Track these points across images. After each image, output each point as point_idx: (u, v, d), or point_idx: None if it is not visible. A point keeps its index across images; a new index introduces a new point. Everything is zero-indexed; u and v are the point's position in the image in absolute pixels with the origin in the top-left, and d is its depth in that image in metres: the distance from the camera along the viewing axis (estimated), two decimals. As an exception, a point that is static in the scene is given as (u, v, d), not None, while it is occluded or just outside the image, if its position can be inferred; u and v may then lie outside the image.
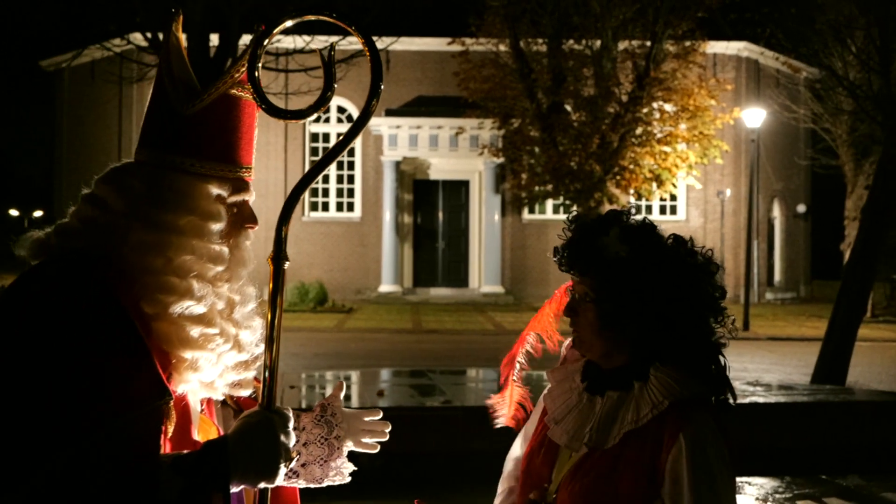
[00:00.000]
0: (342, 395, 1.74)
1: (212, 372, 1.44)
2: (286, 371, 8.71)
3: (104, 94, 23.79)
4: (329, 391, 1.75)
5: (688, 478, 1.54)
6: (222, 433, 1.54)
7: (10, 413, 1.25)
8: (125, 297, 1.36)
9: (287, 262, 1.45)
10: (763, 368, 12.62)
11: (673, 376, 1.61)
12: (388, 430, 1.72)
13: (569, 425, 1.68)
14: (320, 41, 11.27)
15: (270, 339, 1.43)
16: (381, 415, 1.74)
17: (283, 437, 1.37)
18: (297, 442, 1.64)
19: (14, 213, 37.39)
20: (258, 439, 1.36)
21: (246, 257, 1.50)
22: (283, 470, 1.38)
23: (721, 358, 1.68)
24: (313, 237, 24.04)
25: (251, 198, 1.51)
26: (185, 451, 1.36)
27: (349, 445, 1.70)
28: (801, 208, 27.24)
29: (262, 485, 1.39)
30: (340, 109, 24.69)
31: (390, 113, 23.92)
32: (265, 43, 1.47)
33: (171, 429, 1.38)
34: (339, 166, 24.88)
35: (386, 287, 23.83)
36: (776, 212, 27.08)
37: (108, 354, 1.31)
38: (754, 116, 19.27)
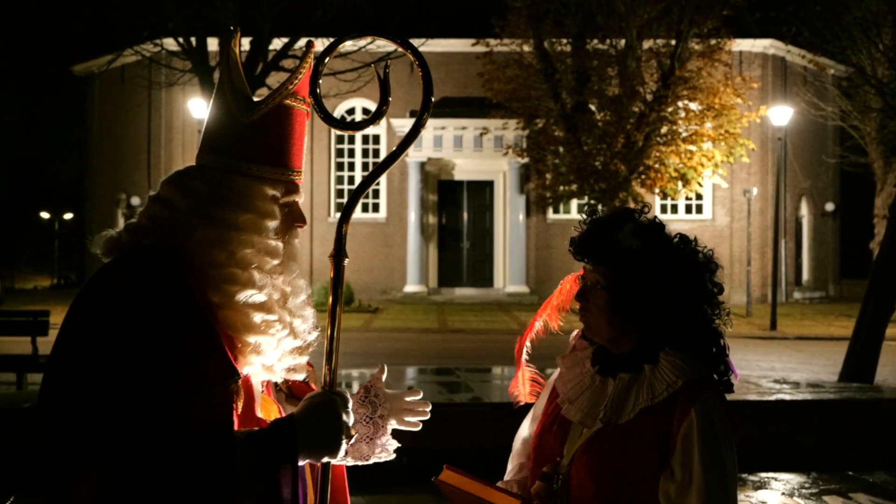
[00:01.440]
0: (384, 377, 1.86)
1: (272, 356, 1.57)
2: (315, 370, 8.84)
3: (133, 98, 24.16)
4: (356, 390, 1.89)
5: (698, 446, 1.71)
6: (282, 411, 1.68)
7: (101, 390, 1.39)
8: (193, 288, 1.51)
9: (346, 259, 1.60)
10: (790, 367, 12.57)
11: (682, 359, 1.78)
12: (428, 409, 1.84)
13: (582, 404, 1.84)
14: (349, 45, 11.41)
15: (332, 328, 1.57)
16: (421, 394, 1.87)
17: (343, 416, 1.52)
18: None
19: (45, 215, 37.99)
20: (323, 418, 1.50)
21: (296, 252, 1.65)
22: (344, 445, 1.52)
23: (721, 342, 1.84)
24: (339, 238, 24.23)
25: (300, 199, 1.65)
26: (256, 428, 1.49)
27: (393, 424, 1.82)
28: (830, 206, 26.96)
29: (326, 459, 1.53)
30: (365, 111, 24.85)
31: (415, 114, 24.03)
32: (326, 61, 1.64)
33: (240, 406, 1.51)
34: (365, 167, 25.06)
35: (411, 287, 23.96)
36: (804, 210, 26.83)
37: (184, 338, 1.44)
38: (781, 114, 19.13)
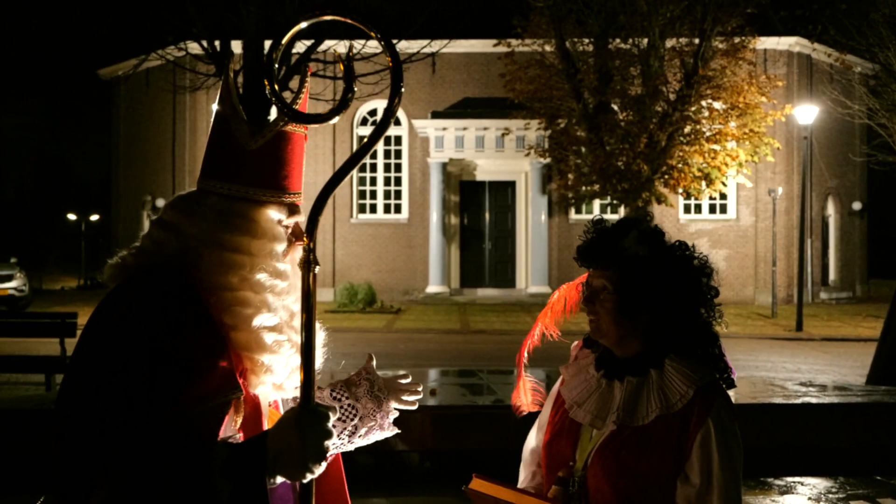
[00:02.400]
0: (374, 364, 1.93)
1: (282, 374, 1.60)
2: (337, 371, 8.88)
3: (158, 101, 24.40)
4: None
5: (716, 453, 1.81)
6: None
7: (111, 400, 1.44)
8: (221, 313, 1.55)
9: (318, 267, 1.55)
10: (817, 369, 12.43)
11: (688, 367, 1.88)
12: (420, 389, 1.92)
13: (591, 406, 1.92)
14: (371, 47, 11.44)
15: (307, 339, 1.54)
16: (410, 377, 1.95)
17: (314, 437, 1.46)
18: (356, 416, 1.83)
19: (72, 217, 38.49)
20: (290, 438, 1.46)
21: (297, 271, 1.67)
22: (315, 468, 1.47)
23: (719, 342, 1.94)
24: (361, 239, 24.31)
25: (301, 219, 1.68)
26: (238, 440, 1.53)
27: (394, 412, 1.90)
28: (857, 206, 26.62)
29: (297, 480, 1.49)
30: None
31: (436, 115, 24.06)
32: (279, 50, 1.60)
33: (239, 420, 1.55)
34: (387, 168, 25.12)
35: (433, 288, 23.98)
36: (830, 209, 26.52)
37: (196, 352, 1.48)
38: (806, 113, 18.92)
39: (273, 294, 1.58)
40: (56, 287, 30.11)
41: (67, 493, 1.43)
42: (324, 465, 1.47)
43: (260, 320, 1.55)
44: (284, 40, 1.60)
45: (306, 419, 1.47)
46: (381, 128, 1.59)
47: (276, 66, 1.59)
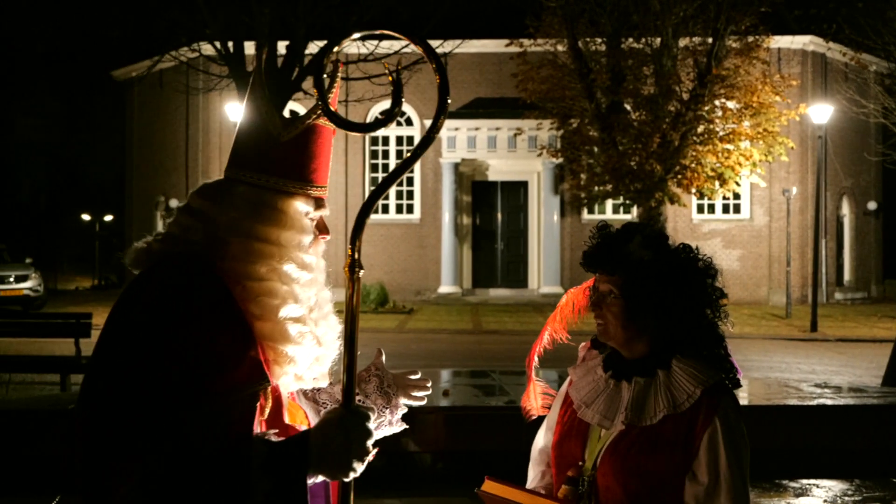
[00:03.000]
0: (383, 359, 1.95)
1: (304, 365, 1.61)
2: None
3: (171, 102, 24.51)
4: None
5: (724, 451, 1.85)
6: (308, 416, 1.73)
7: (138, 393, 1.44)
8: (247, 303, 1.56)
9: (361, 271, 1.59)
10: (832, 370, 12.34)
11: (695, 367, 1.91)
12: (429, 385, 1.94)
13: (599, 406, 1.96)
14: (384, 48, 11.44)
15: (350, 342, 1.55)
16: (419, 374, 1.95)
17: (356, 436, 1.49)
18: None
19: (86, 217, 38.73)
20: (334, 437, 1.49)
21: (322, 263, 1.70)
22: (358, 466, 1.50)
23: (724, 344, 1.98)
24: (374, 239, 24.34)
25: (327, 213, 1.70)
26: (273, 438, 1.52)
27: (403, 408, 1.92)
28: (872, 205, 26.42)
29: (340, 478, 1.51)
30: (401, 113, 24.90)
31: (448, 115, 23.94)
32: (329, 57, 1.62)
33: (267, 411, 1.55)
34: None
35: (445, 288, 23.99)
36: (845, 209, 26.33)
37: (222, 342, 1.49)
38: (821, 112, 18.80)
39: (299, 285, 1.59)
40: (71, 287, 30.31)
41: (91, 487, 1.42)
42: (361, 467, 1.50)
43: (286, 311, 1.56)
44: (336, 48, 1.63)
45: (351, 419, 1.50)
46: (425, 141, 1.60)
47: (297, 68, 1.58)
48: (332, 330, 1.65)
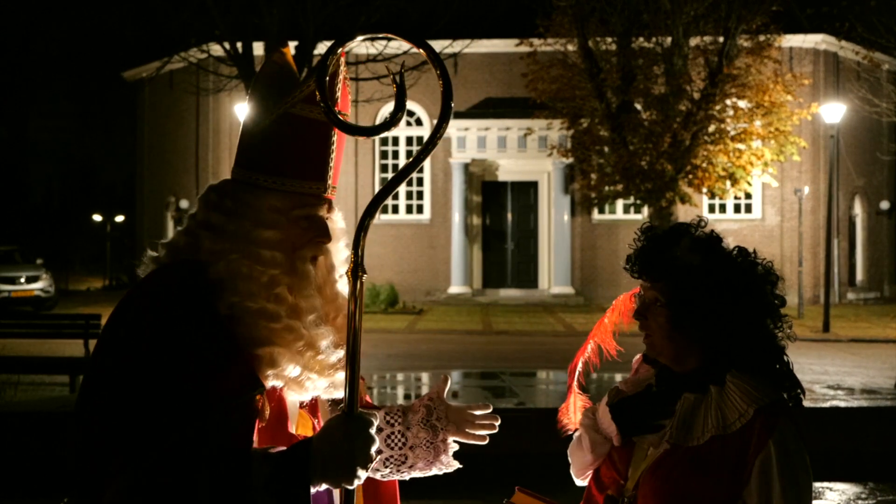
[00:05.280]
0: (447, 389, 1.81)
1: (292, 370, 1.54)
2: (360, 372, 8.87)
3: (182, 103, 24.59)
4: (401, 391, 1.86)
5: (778, 480, 1.68)
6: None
7: (127, 401, 1.42)
8: (219, 302, 1.51)
9: (364, 275, 1.53)
10: (845, 371, 12.24)
11: (750, 383, 1.74)
12: (497, 423, 1.79)
13: None
14: (393, 48, 11.42)
15: (351, 348, 1.51)
16: (490, 408, 1.81)
17: (360, 443, 1.46)
18: (405, 445, 1.76)
19: (97, 218, 38.94)
20: (338, 444, 1.45)
21: (311, 268, 1.60)
22: (362, 473, 1.47)
23: (786, 358, 1.81)
24: (384, 239, 24.33)
25: (321, 212, 1.60)
26: (275, 448, 1.48)
27: (454, 444, 1.78)
28: (885, 205, 26.24)
29: (343, 486, 1.48)
30: (409, 113, 24.91)
31: (458, 115, 24.01)
32: (331, 59, 1.56)
33: (266, 415, 1.51)
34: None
35: (455, 288, 23.95)
36: (858, 209, 26.16)
37: (206, 351, 1.45)
38: (833, 111, 18.67)
39: (278, 285, 1.53)
40: (82, 288, 30.45)
41: (80, 491, 1.44)
42: (364, 474, 1.47)
43: (274, 314, 1.52)
44: (341, 50, 1.57)
45: (354, 426, 1.46)
46: (428, 145, 1.54)
47: (304, 70, 1.55)
48: (324, 337, 1.58)
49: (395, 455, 1.76)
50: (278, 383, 1.55)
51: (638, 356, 1.93)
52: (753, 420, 1.70)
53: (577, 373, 2.01)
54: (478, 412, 1.79)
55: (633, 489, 1.78)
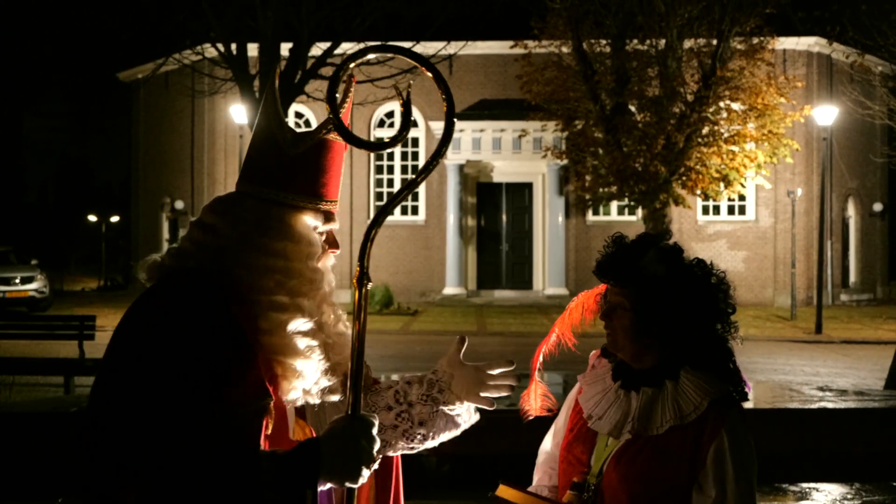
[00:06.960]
0: (462, 350, 1.84)
1: (312, 379, 1.62)
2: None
3: (177, 104, 24.58)
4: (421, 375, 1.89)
5: (731, 464, 1.86)
6: (313, 434, 1.72)
7: (143, 406, 1.46)
8: (237, 312, 1.56)
9: (370, 284, 1.62)
10: (836, 372, 12.32)
11: (703, 378, 1.92)
12: (513, 384, 1.80)
13: (611, 417, 1.96)
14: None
15: (356, 351, 1.58)
16: (513, 366, 1.81)
17: (365, 443, 1.53)
18: (411, 422, 1.79)
19: (92, 218, 38.88)
20: (344, 444, 1.51)
21: (330, 277, 1.71)
22: (366, 472, 1.53)
23: (734, 358, 1.98)
24: (378, 240, 24.04)
25: (336, 226, 1.72)
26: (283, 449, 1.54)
27: (460, 407, 1.80)
28: (878, 207, 26.35)
29: (347, 485, 1.54)
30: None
31: (457, 118, 24.04)
32: (344, 72, 1.64)
33: (270, 426, 1.56)
34: (404, 170, 25.17)
35: (450, 289, 24.00)
36: (851, 211, 26.27)
37: (222, 358, 1.50)
38: (826, 114, 18.76)
39: (307, 299, 1.61)
40: (77, 288, 30.41)
41: (95, 497, 1.46)
42: (367, 473, 1.54)
43: (295, 325, 1.57)
44: (353, 64, 1.64)
45: (359, 427, 1.53)
46: (435, 156, 1.64)
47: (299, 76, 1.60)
48: (340, 342, 1.66)
49: (408, 430, 1.80)
50: (296, 394, 1.61)
51: (595, 351, 2.10)
52: (708, 412, 1.88)
53: (538, 362, 2.18)
54: (495, 371, 1.79)
55: (598, 475, 1.93)
